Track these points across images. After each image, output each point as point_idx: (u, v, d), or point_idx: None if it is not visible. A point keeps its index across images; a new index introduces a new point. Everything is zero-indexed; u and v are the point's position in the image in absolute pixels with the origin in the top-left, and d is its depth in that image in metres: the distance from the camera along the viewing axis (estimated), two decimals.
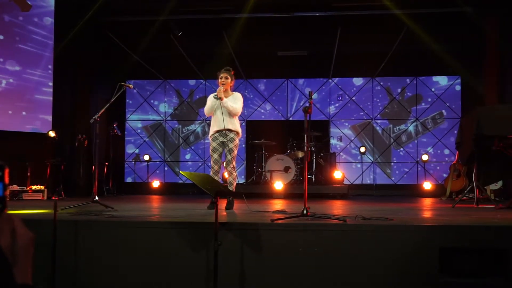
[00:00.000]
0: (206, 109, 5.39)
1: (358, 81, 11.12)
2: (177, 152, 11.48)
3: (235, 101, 5.36)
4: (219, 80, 5.36)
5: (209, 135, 5.47)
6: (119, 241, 3.72)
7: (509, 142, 5.60)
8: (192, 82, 11.49)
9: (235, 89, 10.79)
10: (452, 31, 9.67)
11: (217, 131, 5.34)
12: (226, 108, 5.26)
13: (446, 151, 10.74)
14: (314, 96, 11.04)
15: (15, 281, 1.10)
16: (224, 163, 5.51)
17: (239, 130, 5.44)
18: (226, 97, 5.37)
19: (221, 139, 5.35)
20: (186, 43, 10.01)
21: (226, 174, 5.61)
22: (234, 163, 5.39)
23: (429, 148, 10.81)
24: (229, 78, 5.37)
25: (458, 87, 10.82)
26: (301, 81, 11.31)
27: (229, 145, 5.33)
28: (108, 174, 9.76)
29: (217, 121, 5.33)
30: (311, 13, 9.31)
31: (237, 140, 5.40)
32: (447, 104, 10.81)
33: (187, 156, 11.46)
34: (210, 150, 5.41)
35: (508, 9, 8.51)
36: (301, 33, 10.16)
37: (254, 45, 10.06)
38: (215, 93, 5.29)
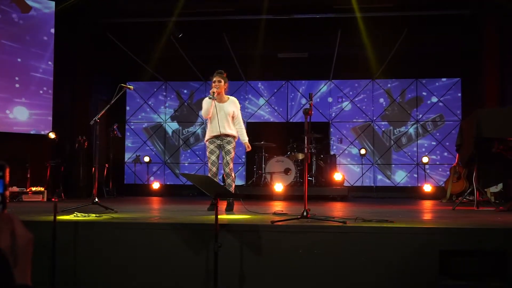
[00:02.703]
0: (204, 111, 5.38)
1: (358, 83, 11.13)
2: (177, 154, 11.48)
3: (237, 110, 5.48)
4: (212, 83, 5.37)
5: (206, 139, 5.48)
6: (119, 243, 3.72)
7: (509, 144, 5.60)
8: (192, 83, 11.49)
9: (235, 90, 10.94)
10: (452, 33, 9.68)
11: (214, 136, 5.36)
12: (246, 140, 5.50)
13: (446, 154, 10.75)
14: (316, 97, 11.05)
15: (15, 282, 1.10)
16: (222, 164, 5.51)
17: (236, 134, 5.47)
18: (222, 101, 5.39)
19: (218, 142, 5.38)
20: (187, 45, 10.02)
21: (224, 176, 5.61)
22: (231, 164, 5.40)
23: (430, 150, 10.81)
24: (222, 81, 5.37)
25: (458, 89, 10.82)
26: (301, 82, 11.31)
27: (226, 147, 5.34)
28: (108, 175, 9.75)
29: (214, 126, 5.33)
30: (311, 15, 9.33)
31: (234, 143, 5.42)
32: (448, 106, 10.81)
33: (187, 158, 11.46)
34: (207, 153, 5.43)
35: (508, 10, 8.52)
36: (302, 35, 10.17)
37: (254, 46, 10.07)
38: (209, 95, 5.31)
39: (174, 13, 8.91)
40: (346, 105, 11.12)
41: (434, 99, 10.86)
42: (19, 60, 8.27)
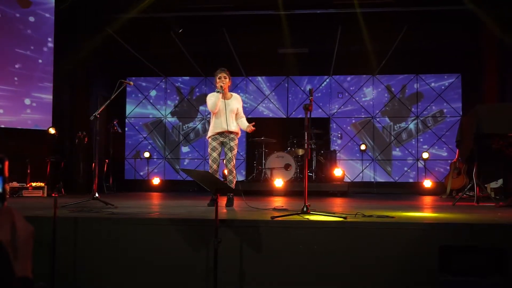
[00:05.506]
0: (211, 105, 5.34)
1: (358, 78, 11.11)
2: (177, 149, 11.47)
3: (241, 107, 5.50)
4: (218, 79, 5.36)
5: (208, 135, 5.47)
6: (119, 238, 3.72)
7: (509, 140, 5.59)
8: (192, 79, 11.47)
9: (235, 86, 10.93)
10: (453, 29, 9.65)
11: (218, 133, 5.36)
12: (248, 124, 5.42)
13: (447, 149, 10.74)
14: (316, 93, 11.03)
15: (16, 275, 1.10)
16: (225, 161, 5.52)
17: (239, 131, 5.49)
18: (227, 97, 5.40)
19: (221, 139, 5.39)
20: (187, 40, 10.00)
21: (226, 172, 5.60)
22: (234, 161, 5.41)
23: (430, 146, 10.81)
24: (227, 77, 5.39)
25: (458, 85, 10.80)
26: (301, 78, 11.29)
27: (230, 144, 5.35)
28: (108, 171, 9.74)
29: (219, 123, 5.33)
30: (312, 10, 9.30)
31: (237, 140, 5.45)
32: (448, 102, 10.80)
33: (187, 153, 11.45)
34: (209, 149, 5.42)
35: (508, 7, 8.48)
36: (302, 30, 10.14)
37: (254, 42, 10.04)
38: (216, 89, 5.31)
39: (174, 9, 8.88)
40: (347, 100, 11.10)
41: (434, 95, 10.84)
42: (18, 55, 8.25)
